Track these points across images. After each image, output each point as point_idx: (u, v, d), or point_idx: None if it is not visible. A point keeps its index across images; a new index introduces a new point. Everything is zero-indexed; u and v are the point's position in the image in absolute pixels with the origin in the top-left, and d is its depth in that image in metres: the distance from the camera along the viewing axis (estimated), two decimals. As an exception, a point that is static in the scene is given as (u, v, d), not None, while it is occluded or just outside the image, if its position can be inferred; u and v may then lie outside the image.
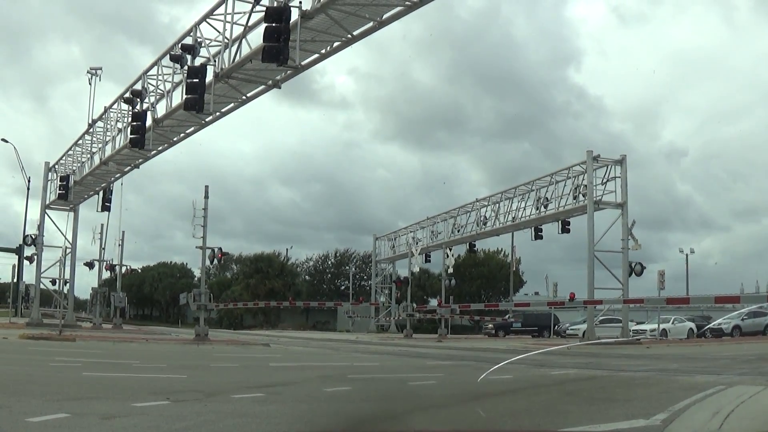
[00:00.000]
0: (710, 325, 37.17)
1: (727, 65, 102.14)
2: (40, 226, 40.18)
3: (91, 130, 34.20)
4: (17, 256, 49.27)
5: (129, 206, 75.38)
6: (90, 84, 32.51)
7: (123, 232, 42.81)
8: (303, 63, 21.16)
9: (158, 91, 27.07)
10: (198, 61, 22.95)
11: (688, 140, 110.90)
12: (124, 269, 44.85)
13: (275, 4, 18.56)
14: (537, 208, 40.14)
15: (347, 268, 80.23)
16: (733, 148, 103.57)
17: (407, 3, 19.20)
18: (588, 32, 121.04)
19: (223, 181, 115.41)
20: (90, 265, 43.25)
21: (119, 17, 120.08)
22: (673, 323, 37.31)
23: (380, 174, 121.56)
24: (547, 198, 39.27)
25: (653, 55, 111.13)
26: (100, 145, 34.03)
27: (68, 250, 41.21)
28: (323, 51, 21.80)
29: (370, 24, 20.30)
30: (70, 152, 38.38)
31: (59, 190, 37.65)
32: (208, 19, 23.02)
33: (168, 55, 24.70)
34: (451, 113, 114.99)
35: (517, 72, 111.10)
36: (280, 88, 23.85)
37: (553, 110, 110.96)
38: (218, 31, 22.57)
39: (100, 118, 32.93)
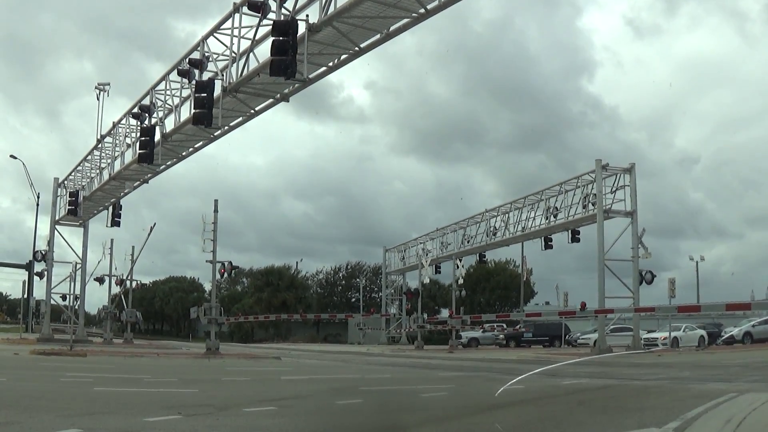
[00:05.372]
0: (724, 337, 36.96)
1: (739, 73, 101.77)
2: (50, 242, 40.18)
3: (99, 145, 34.36)
4: (27, 272, 49.60)
5: (142, 221, 75.49)
6: (98, 100, 32.59)
7: (133, 247, 42.87)
8: (311, 76, 21.17)
9: (167, 105, 27.21)
10: (206, 76, 23.06)
11: (700, 148, 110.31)
12: (134, 284, 44.84)
13: (282, 18, 18.65)
14: (546, 218, 39.99)
15: (358, 280, 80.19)
16: (745, 155, 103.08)
17: (413, 15, 19.22)
18: (602, 43, 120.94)
19: (236, 195, 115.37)
20: (100, 280, 43.27)
21: (135, 33, 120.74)
22: (684, 331, 37.02)
23: (396, 186, 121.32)
24: (556, 207, 39.11)
25: (666, 64, 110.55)
26: (109, 161, 34.18)
27: (78, 266, 41.44)
28: (331, 64, 21.87)
29: (378, 36, 20.34)
30: (80, 168, 38.52)
31: (69, 205, 37.77)
32: (215, 34, 23.11)
33: (176, 70, 24.87)
34: (466, 126, 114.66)
35: (532, 83, 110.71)
36: (288, 101, 23.98)
37: (569, 121, 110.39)
38: (226, 46, 22.65)
39: (108, 133, 33.02)
